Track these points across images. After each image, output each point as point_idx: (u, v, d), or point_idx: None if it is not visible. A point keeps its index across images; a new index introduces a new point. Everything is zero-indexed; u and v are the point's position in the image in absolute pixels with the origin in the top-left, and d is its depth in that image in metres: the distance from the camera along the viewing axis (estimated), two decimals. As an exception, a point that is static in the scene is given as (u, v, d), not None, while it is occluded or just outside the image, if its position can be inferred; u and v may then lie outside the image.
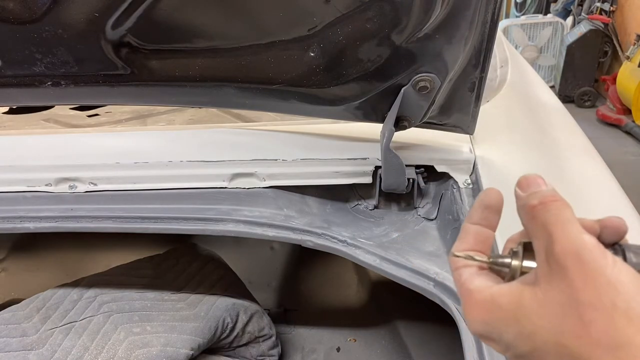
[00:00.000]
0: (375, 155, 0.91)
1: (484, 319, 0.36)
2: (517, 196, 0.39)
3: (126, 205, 0.92)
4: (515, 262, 0.39)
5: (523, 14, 5.85)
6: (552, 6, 5.69)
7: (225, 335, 1.11)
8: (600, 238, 0.37)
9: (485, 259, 0.40)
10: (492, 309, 0.36)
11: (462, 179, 0.91)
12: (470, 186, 0.89)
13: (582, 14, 4.88)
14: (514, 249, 0.40)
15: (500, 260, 0.40)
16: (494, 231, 0.43)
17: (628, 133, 4.03)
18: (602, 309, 0.30)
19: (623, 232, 0.38)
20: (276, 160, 0.93)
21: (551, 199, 0.36)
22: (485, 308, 0.36)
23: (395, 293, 1.46)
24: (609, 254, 0.32)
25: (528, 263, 0.38)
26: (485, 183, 0.86)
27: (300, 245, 0.87)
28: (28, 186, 0.96)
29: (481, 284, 0.38)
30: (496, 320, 0.36)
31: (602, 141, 3.83)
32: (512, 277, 0.39)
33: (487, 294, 0.37)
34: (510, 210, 0.81)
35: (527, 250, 0.39)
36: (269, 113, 1.21)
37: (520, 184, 0.39)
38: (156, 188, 0.96)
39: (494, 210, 0.43)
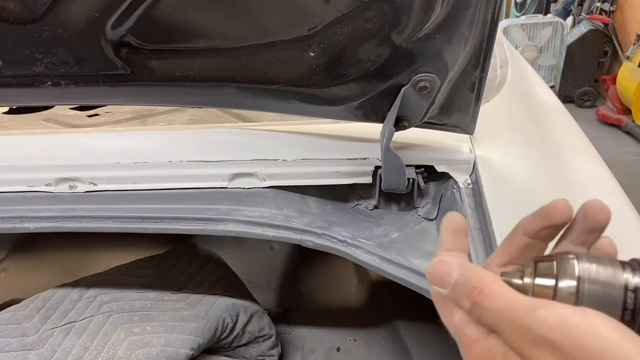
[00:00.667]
0: (375, 155, 0.91)
1: None
2: (443, 295, 0.38)
3: (126, 205, 0.92)
4: (527, 280, 0.38)
5: (523, 14, 5.85)
6: (552, 6, 5.69)
7: (225, 335, 1.11)
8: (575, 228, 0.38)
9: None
10: None
11: (462, 179, 0.91)
12: (470, 186, 0.90)
13: (582, 14, 4.89)
14: (526, 268, 0.39)
15: (512, 279, 0.39)
16: (467, 254, 0.43)
17: (628, 133, 4.03)
18: None
19: (605, 218, 0.38)
20: (276, 160, 0.93)
21: (473, 289, 0.35)
22: None
23: (395, 293, 1.46)
24: (569, 309, 0.32)
25: (541, 281, 0.37)
26: (485, 183, 0.86)
27: (300, 245, 0.87)
28: (28, 186, 0.96)
29: (480, 332, 0.37)
30: None
31: (602, 141, 3.84)
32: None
33: (486, 347, 0.36)
34: (509, 210, 0.81)
35: (539, 267, 0.38)
36: (269, 113, 1.21)
37: (433, 280, 0.38)
38: (156, 188, 0.96)
39: (463, 233, 0.43)
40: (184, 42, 0.80)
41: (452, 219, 0.44)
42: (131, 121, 1.34)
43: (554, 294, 0.36)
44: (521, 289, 0.38)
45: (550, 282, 0.36)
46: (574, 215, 0.39)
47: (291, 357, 1.38)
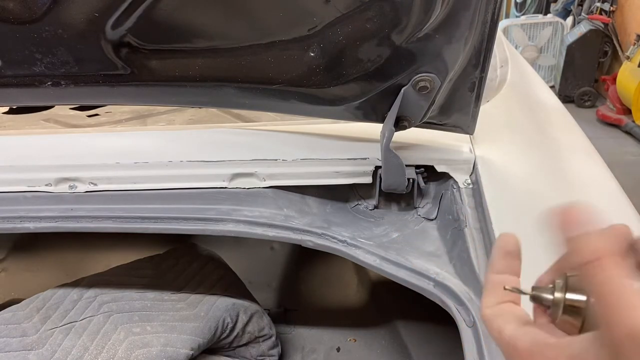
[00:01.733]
0: (375, 155, 0.91)
1: None
2: (556, 230, 0.35)
3: (126, 205, 0.92)
4: (558, 295, 0.36)
5: (523, 14, 5.85)
6: (552, 6, 5.69)
7: (225, 335, 1.11)
8: None
9: (528, 291, 0.39)
10: None
11: (462, 179, 0.91)
12: (470, 186, 0.89)
13: (582, 14, 4.89)
14: (557, 280, 0.37)
15: (543, 294, 0.38)
16: (519, 277, 0.42)
17: (628, 133, 4.03)
18: None
19: None
20: (276, 160, 0.93)
21: (607, 253, 0.32)
22: None
23: (395, 293, 1.46)
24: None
25: (572, 296, 0.35)
26: (485, 183, 0.86)
27: (300, 245, 0.87)
28: (28, 186, 0.96)
29: (535, 337, 0.36)
30: None
31: (602, 141, 3.83)
32: (555, 311, 0.37)
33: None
34: (509, 210, 0.81)
35: (570, 281, 0.36)
36: (269, 113, 1.21)
37: (564, 220, 0.35)
38: (156, 188, 0.96)
39: (515, 256, 0.42)
40: (184, 42, 0.80)
41: (504, 241, 0.43)
42: (131, 121, 1.34)
43: (586, 310, 0.34)
44: (552, 305, 0.37)
45: (582, 297, 0.35)
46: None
47: (291, 357, 1.38)
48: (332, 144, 0.98)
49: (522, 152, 1.01)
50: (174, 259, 1.27)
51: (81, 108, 1.45)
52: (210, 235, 0.89)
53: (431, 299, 0.75)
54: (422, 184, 0.92)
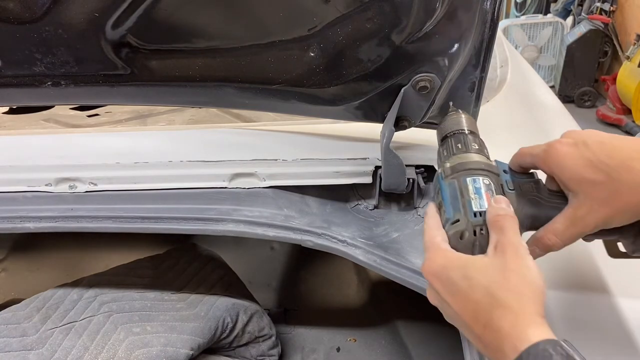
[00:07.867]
0: (375, 155, 0.91)
1: (442, 263, 0.54)
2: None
3: (126, 205, 0.92)
4: None
5: (523, 14, 5.85)
6: (552, 6, 5.69)
7: (225, 335, 1.11)
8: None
9: None
10: (452, 258, 0.54)
11: (462, 179, 0.91)
12: (470, 186, 0.89)
13: (582, 14, 4.89)
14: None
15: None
16: None
17: (628, 133, 4.03)
18: (519, 272, 0.50)
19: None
20: (276, 160, 0.93)
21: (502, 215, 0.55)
22: (446, 256, 0.55)
23: (395, 293, 1.46)
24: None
25: None
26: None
27: (300, 245, 0.87)
28: (28, 186, 0.96)
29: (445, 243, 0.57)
30: (450, 265, 0.53)
31: (602, 141, 3.82)
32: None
33: (448, 248, 0.56)
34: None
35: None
36: (269, 113, 1.21)
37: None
38: (156, 188, 0.96)
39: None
40: (184, 42, 0.80)
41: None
42: (131, 121, 1.34)
43: None
44: None
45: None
46: None
47: (291, 357, 1.38)
48: (332, 144, 0.98)
49: (522, 152, 1.00)
50: (174, 259, 1.27)
51: (81, 108, 1.45)
52: (210, 235, 0.89)
53: (431, 299, 0.75)
54: (422, 184, 0.92)
